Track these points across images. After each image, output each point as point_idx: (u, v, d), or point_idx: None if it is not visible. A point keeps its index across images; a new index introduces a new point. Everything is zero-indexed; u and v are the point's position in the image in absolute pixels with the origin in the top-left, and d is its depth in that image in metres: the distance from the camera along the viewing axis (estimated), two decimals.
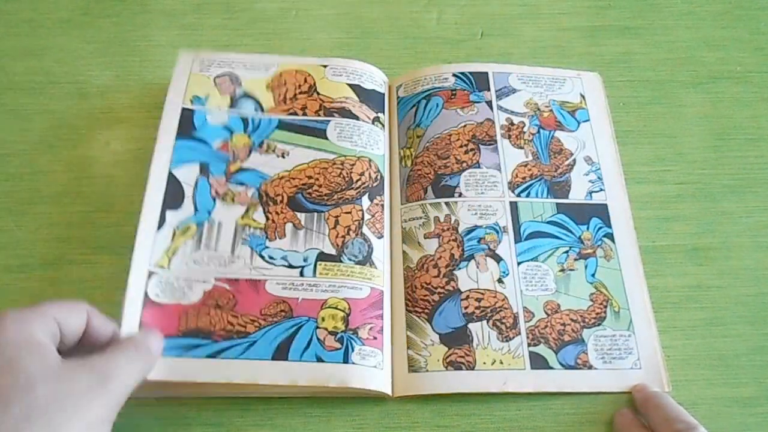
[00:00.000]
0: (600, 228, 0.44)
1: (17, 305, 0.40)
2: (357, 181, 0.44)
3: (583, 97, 0.50)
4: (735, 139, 0.49)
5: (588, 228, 0.44)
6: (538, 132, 0.47)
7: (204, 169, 0.44)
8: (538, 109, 0.48)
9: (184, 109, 0.45)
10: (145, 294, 0.39)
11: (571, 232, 0.44)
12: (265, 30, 0.53)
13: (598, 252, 0.43)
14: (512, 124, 0.48)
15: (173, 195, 0.42)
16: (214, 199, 0.43)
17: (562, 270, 0.42)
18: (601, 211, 0.45)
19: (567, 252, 0.43)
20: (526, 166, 0.46)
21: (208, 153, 0.44)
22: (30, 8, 0.54)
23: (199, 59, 0.48)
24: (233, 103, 0.47)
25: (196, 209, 0.42)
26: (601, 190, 0.45)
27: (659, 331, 0.41)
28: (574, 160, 0.47)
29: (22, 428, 0.26)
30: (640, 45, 0.53)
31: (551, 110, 0.49)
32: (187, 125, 0.45)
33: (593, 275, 0.42)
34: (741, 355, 0.41)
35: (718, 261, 0.44)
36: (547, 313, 0.41)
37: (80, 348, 0.33)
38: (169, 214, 0.42)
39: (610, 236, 0.44)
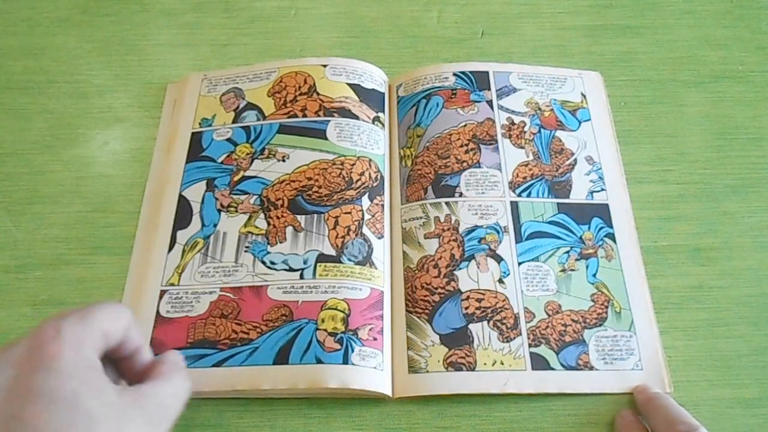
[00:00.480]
0: (601, 228, 0.44)
1: (16, 306, 0.41)
2: (357, 181, 0.44)
3: (584, 96, 0.49)
4: (737, 138, 0.49)
5: (589, 228, 0.44)
6: (539, 131, 0.47)
7: (210, 184, 0.44)
8: (539, 109, 0.48)
9: (193, 133, 0.46)
10: (157, 312, 0.39)
11: (572, 232, 0.43)
12: (265, 29, 0.53)
13: (599, 252, 0.43)
14: (513, 123, 0.47)
15: (183, 215, 0.43)
16: (220, 212, 0.43)
17: (563, 270, 0.42)
18: (603, 211, 0.44)
19: (568, 252, 0.43)
20: (526, 165, 0.46)
21: (214, 168, 0.45)
22: (28, 7, 0.53)
23: (207, 80, 0.48)
24: (237, 116, 0.47)
25: (203, 224, 0.43)
26: (603, 189, 0.45)
27: (661, 332, 0.41)
28: (575, 160, 0.46)
29: None
30: (642, 44, 0.53)
31: (552, 110, 0.48)
32: (196, 148, 0.46)
33: (594, 275, 0.42)
34: (743, 356, 0.41)
35: (720, 261, 0.44)
36: (548, 314, 0.40)
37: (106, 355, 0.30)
38: (179, 234, 0.42)
39: (612, 236, 0.44)
